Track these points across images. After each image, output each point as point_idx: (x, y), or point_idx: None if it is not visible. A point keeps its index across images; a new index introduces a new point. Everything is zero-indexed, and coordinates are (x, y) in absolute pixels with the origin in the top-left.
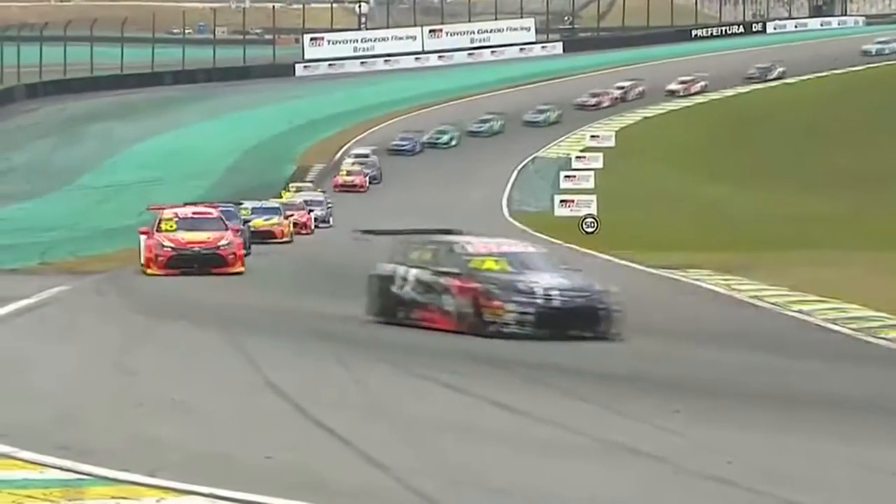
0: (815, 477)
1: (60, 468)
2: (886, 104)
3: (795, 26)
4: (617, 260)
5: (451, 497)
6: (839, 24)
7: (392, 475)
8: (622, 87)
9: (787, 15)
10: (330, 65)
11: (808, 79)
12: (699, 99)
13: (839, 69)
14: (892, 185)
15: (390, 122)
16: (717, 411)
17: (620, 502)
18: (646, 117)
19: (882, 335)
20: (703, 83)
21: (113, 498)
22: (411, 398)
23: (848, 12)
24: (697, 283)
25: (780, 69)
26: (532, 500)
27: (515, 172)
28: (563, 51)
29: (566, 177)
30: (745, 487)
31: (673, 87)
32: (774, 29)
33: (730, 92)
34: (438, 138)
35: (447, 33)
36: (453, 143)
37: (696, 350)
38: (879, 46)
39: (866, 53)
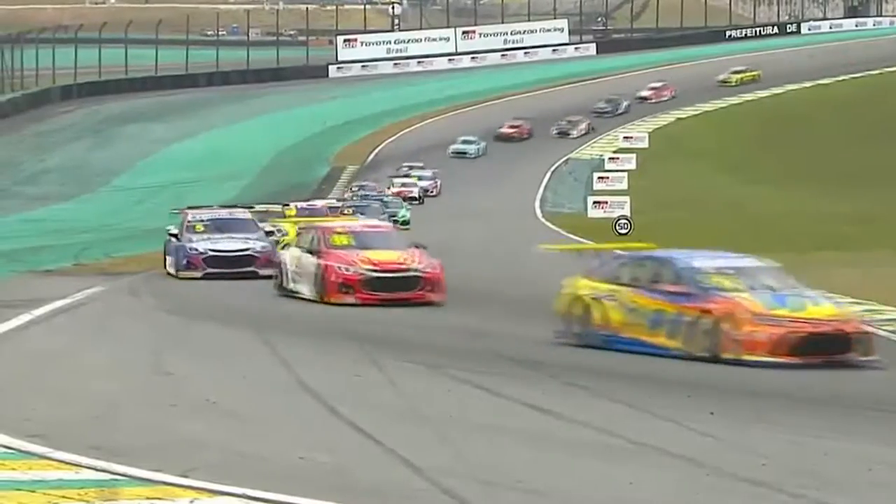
0: (849, 479)
1: (95, 468)
2: None
3: (830, 27)
4: None
5: (483, 498)
6: (874, 25)
7: (425, 476)
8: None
9: (821, 15)
10: (363, 66)
11: (843, 79)
12: (733, 100)
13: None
14: None
15: (424, 123)
16: (751, 412)
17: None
18: (679, 118)
19: None
20: (672, 90)
21: (147, 499)
22: (444, 399)
23: (883, 13)
24: None
25: (626, 103)
26: (564, 502)
27: (549, 174)
28: (597, 52)
29: (599, 178)
30: (778, 488)
31: (644, 93)
32: (809, 30)
33: (764, 93)
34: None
35: (480, 34)
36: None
37: None
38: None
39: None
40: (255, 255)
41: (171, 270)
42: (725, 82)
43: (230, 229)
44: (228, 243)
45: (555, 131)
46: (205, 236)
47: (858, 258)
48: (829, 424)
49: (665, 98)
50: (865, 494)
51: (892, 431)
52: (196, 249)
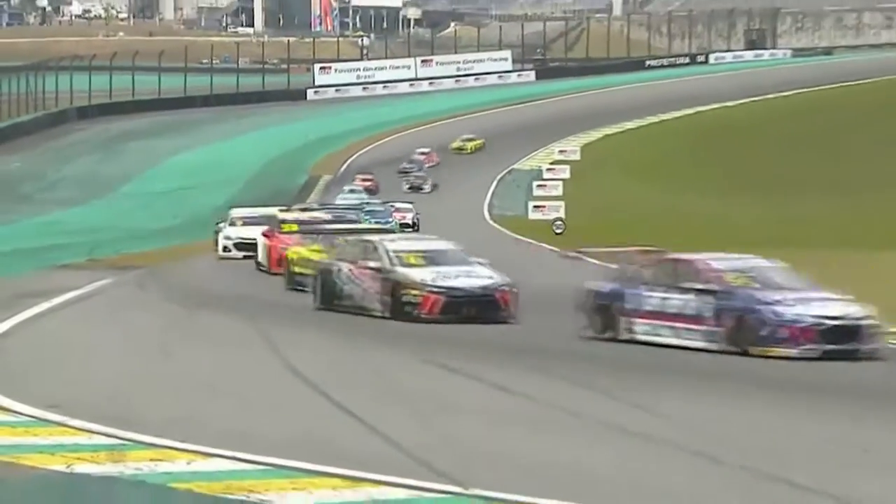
0: (800, 455)
1: (106, 434)
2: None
3: (733, 57)
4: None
5: (452, 465)
6: (770, 56)
7: (401, 448)
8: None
9: (726, 48)
10: (336, 90)
11: (743, 102)
12: (652, 119)
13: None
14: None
15: (388, 139)
16: (711, 394)
17: (600, 470)
18: (606, 135)
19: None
20: (479, 141)
21: (150, 460)
22: (424, 382)
23: (777, 46)
24: None
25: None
26: (523, 468)
27: (495, 183)
28: (536, 78)
29: (538, 186)
30: (731, 464)
31: (456, 144)
32: (715, 60)
33: (678, 113)
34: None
35: (436, 63)
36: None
37: None
38: None
39: None
40: None
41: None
42: (461, 149)
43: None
44: None
45: (406, 186)
46: None
47: (795, 256)
48: (793, 406)
49: (432, 164)
50: (817, 468)
51: (842, 410)
52: None
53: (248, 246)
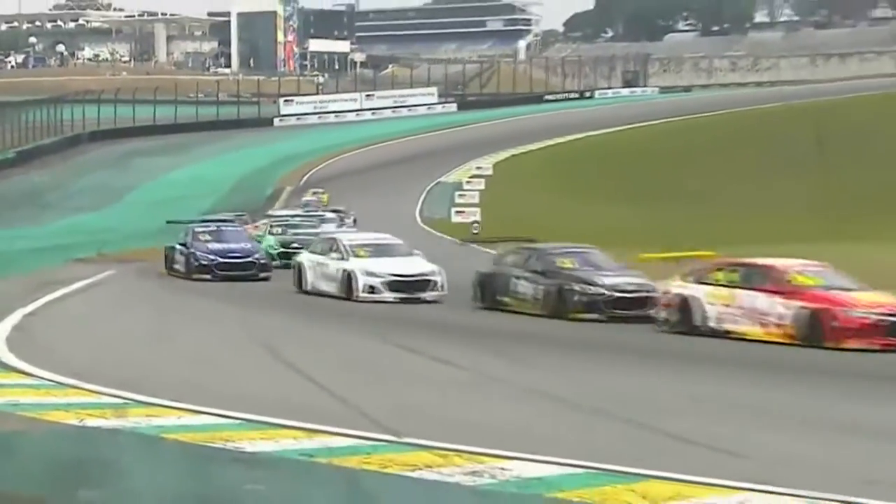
0: (680, 410)
1: (112, 395)
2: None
3: (613, 93)
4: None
5: (391, 419)
6: (642, 92)
7: (349, 405)
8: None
9: (607, 85)
10: (297, 118)
11: (622, 129)
12: (549, 142)
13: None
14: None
15: (339, 157)
16: (616, 364)
17: (523, 426)
18: (513, 154)
19: None
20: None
21: (147, 416)
22: (376, 356)
23: (648, 84)
24: None
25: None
26: (457, 425)
27: (424, 192)
28: (457, 109)
29: (459, 194)
30: (617, 417)
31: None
32: (599, 95)
33: (570, 137)
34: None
35: (377, 97)
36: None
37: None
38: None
39: None
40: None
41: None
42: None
43: None
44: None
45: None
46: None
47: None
48: (662, 370)
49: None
50: (690, 420)
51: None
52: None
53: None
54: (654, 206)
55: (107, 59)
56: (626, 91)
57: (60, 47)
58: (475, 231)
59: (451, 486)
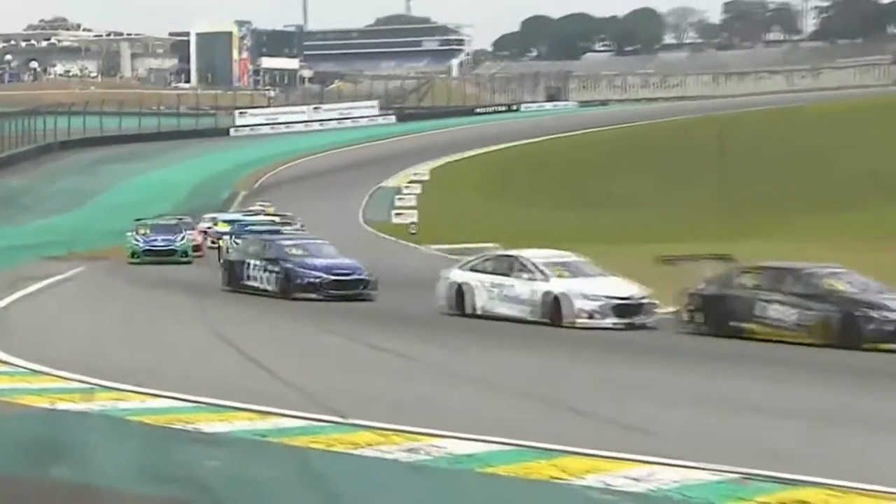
0: (565, 385)
1: (80, 381)
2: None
3: (537, 107)
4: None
5: (332, 399)
6: (563, 106)
7: (295, 388)
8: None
9: (531, 100)
10: (251, 129)
11: (545, 139)
12: (480, 150)
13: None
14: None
15: (289, 164)
16: (527, 350)
17: (449, 405)
18: (448, 161)
19: None
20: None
21: (113, 399)
22: (315, 343)
23: (568, 99)
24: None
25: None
26: (390, 404)
27: (367, 196)
28: (396, 121)
29: (399, 198)
30: (536, 397)
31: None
32: (524, 108)
33: (499, 146)
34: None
35: (324, 109)
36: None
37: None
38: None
39: None
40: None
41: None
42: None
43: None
44: None
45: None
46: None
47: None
48: (581, 358)
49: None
50: (595, 399)
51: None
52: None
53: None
54: (576, 208)
55: (76, 75)
56: (549, 105)
57: (34, 64)
58: (412, 231)
59: (391, 463)
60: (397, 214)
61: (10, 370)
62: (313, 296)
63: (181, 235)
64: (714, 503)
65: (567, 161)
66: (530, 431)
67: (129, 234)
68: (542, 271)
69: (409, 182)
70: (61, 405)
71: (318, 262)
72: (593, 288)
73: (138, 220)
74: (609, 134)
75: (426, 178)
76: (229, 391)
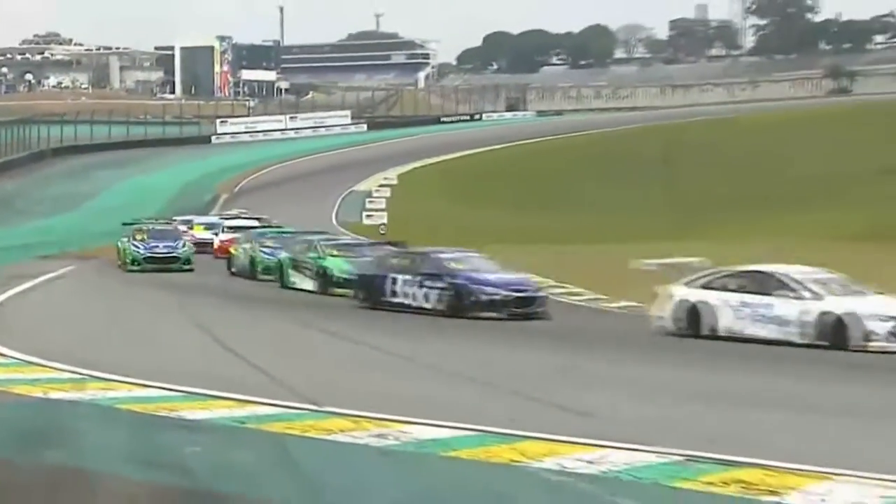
0: (534, 378)
1: (71, 371)
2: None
3: (498, 116)
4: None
5: (306, 387)
6: (522, 115)
7: (270, 376)
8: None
9: (493, 109)
10: (231, 137)
11: (506, 146)
12: (445, 157)
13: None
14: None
15: (267, 169)
16: (478, 340)
17: (406, 393)
18: (415, 167)
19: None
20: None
21: (103, 389)
22: (295, 336)
23: (527, 109)
24: None
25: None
26: (363, 393)
27: (339, 199)
28: (367, 129)
29: (369, 201)
30: (490, 385)
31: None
32: (486, 118)
33: (463, 153)
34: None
35: (300, 118)
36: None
37: None
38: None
39: None
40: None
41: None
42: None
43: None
44: None
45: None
46: None
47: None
48: (529, 347)
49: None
50: (546, 386)
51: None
52: None
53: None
54: (535, 210)
55: (68, 87)
56: (508, 114)
57: (28, 76)
58: (382, 232)
59: (362, 447)
60: (368, 216)
61: (5, 361)
62: (494, 315)
63: (182, 241)
64: (661, 483)
65: (525, 166)
66: (491, 417)
67: (123, 239)
68: (810, 289)
69: (379, 186)
70: (54, 394)
71: (492, 276)
72: (878, 308)
73: (130, 223)
74: (564, 142)
75: (394, 182)
76: (210, 380)
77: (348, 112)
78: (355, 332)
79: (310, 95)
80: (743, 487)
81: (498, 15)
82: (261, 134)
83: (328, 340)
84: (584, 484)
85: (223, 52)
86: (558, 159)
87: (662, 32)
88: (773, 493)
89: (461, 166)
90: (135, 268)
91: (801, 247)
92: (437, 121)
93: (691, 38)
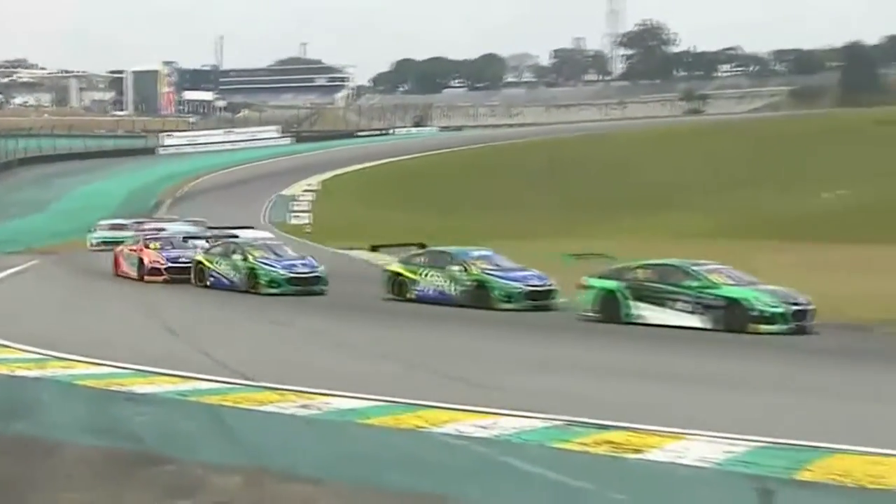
0: (476, 363)
1: (34, 352)
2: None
3: (406, 131)
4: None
5: (246, 366)
6: (428, 131)
7: (214, 359)
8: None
9: (402, 125)
10: (175, 148)
11: (414, 156)
12: (359, 166)
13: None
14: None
15: (206, 177)
16: (417, 325)
17: (339, 370)
18: (335, 175)
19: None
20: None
21: (63, 367)
22: (246, 325)
23: (431, 125)
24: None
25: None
26: (296, 367)
27: (267, 202)
28: (296, 142)
29: (294, 204)
30: (430, 370)
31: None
32: (395, 132)
33: (376, 162)
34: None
35: (235, 132)
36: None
37: (364, 286)
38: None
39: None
40: None
41: None
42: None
43: None
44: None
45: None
46: None
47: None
48: (475, 334)
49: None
50: (489, 371)
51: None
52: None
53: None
54: (439, 212)
55: (33, 105)
56: (415, 130)
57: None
58: (307, 231)
59: (288, 417)
60: (294, 217)
61: None
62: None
63: (316, 260)
64: (545, 443)
65: (431, 174)
66: (400, 389)
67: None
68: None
69: (303, 191)
70: (20, 372)
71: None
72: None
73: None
74: (464, 152)
75: (318, 188)
76: (159, 360)
77: (277, 127)
78: (288, 317)
79: (243, 113)
80: (612, 447)
81: (406, 44)
82: (201, 146)
83: (272, 325)
84: (477, 446)
85: (168, 76)
86: (458, 168)
87: (546, 60)
88: (636, 451)
89: (375, 174)
90: (273, 290)
91: (665, 243)
92: (353, 135)
93: (570, 64)
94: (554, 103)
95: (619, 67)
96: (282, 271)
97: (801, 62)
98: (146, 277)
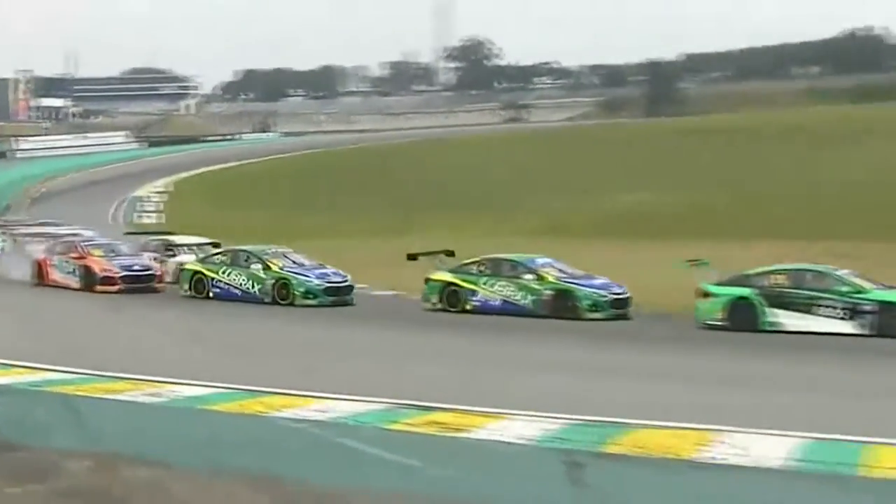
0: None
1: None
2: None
3: (252, 137)
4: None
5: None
6: (272, 135)
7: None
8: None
9: (248, 131)
10: (29, 152)
11: (260, 160)
12: (206, 169)
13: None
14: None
15: (61, 178)
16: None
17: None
18: (185, 177)
19: None
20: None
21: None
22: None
23: (274, 130)
24: None
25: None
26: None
27: (116, 203)
28: (148, 146)
29: (142, 204)
30: (263, 355)
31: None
32: (242, 137)
33: (223, 165)
34: None
35: (88, 137)
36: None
37: None
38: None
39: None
40: None
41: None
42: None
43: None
44: None
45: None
46: None
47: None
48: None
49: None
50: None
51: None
52: None
53: None
54: (282, 211)
55: None
56: (261, 135)
57: None
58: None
59: (139, 404)
60: (144, 216)
61: None
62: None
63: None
64: (377, 425)
65: (273, 175)
66: (241, 377)
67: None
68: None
69: (151, 192)
70: None
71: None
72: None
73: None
74: (305, 156)
75: (166, 188)
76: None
77: (127, 132)
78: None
79: (96, 119)
80: (439, 427)
81: (252, 54)
82: (54, 150)
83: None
84: (315, 429)
85: (27, 82)
86: (300, 169)
87: (379, 71)
88: (461, 430)
89: (221, 176)
90: (310, 301)
91: (499, 241)
92: (200, 139)
93: (402, 76)
94: (388, 111)
95: (446, 78)
96: (317, 281)
97: (611, 76)
98: (98, 287)
